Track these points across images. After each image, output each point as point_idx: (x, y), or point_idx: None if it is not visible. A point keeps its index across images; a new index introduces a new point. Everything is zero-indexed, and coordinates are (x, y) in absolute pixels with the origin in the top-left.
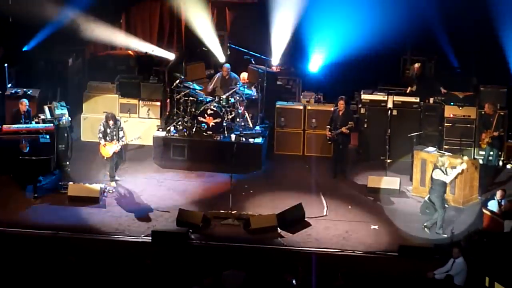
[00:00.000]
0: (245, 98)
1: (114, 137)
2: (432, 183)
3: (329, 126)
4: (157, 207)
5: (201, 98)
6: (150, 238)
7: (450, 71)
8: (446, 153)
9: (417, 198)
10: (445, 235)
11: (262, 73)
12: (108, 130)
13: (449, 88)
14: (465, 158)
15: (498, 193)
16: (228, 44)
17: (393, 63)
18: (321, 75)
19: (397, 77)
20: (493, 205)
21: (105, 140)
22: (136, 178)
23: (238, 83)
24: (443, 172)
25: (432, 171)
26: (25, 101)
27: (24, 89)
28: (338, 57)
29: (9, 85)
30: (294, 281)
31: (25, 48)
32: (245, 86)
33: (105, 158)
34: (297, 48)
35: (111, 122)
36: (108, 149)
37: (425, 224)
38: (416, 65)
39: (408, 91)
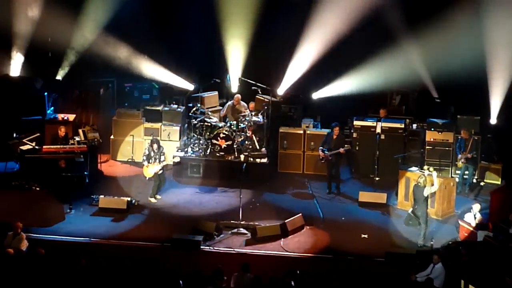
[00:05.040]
0: (252, 124)
1: (156, 160)
2: (415, 201)
3: (321, 148)
4: (176, 218)
5: (215, 124)
6: (170, 244)
7: (431, 102)
8: (426, 172)
9: (402, 211)
10: (426, 245)
11: (267, 102)
12: (152, 154)
13: (430, 116)
14: (435, 174)
15: (473, 207)
16: (239, 77)
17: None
18: (320, 104)
19: (385, 106)
20: (468, 218)
21: (148, 162)
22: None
23: (246, 110)
24: (421, 188)
25: (413, 190)
26: (63, 127)
27: (62, 115)
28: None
29: (48, 111)
30: (293, 283)
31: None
32: (253, 113)
33: (147, 178)
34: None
35: (155, 146)
36: (150, 170)
37: (419, 243)
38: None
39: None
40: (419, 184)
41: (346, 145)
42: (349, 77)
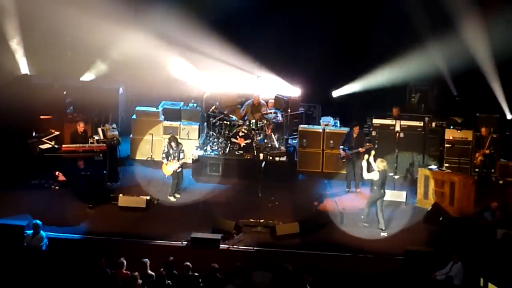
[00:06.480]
0: (271, 122)
1: (175, 158)
2: (384, 186)
3: (342, 146)
4: (195, 217)
5: (234, 122)
6: (190, 243)
7: (450, 100)
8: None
9: (421, 209)
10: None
11: (286, 100)
12: (171, 151)
13: (449, 114)
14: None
15: (492, 205)
16: (258, 75)
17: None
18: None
19: (404, 103)
20: (487, 215)
21: (167, 160)
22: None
23: (265, 109)
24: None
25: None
26: (82, 123)
27: (80, 114)
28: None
29: (67, 111)
30: (310, 280)
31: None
32: (272, 112)
33: (166, 176)
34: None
35: (173, 144)
36: (169, 168)
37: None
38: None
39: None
40: (385, 167)
41: (367, 144)
42: (369, 74)
